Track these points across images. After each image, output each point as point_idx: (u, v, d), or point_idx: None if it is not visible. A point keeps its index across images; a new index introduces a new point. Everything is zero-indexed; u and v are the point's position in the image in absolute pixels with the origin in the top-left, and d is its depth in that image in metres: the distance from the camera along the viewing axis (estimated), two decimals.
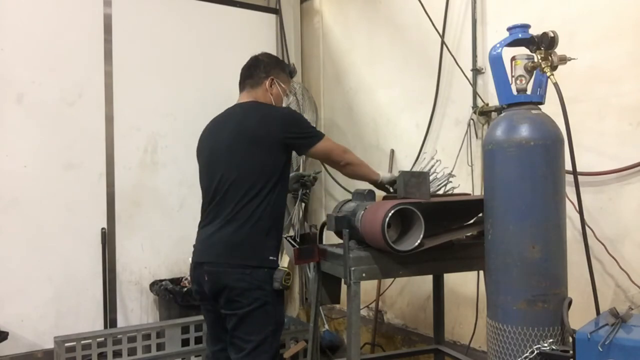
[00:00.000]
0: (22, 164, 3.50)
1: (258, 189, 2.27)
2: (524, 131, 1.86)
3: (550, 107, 1.96)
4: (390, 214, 2.04)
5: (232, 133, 2.37)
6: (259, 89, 2.49)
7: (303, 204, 3.92)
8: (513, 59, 1.98)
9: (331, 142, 2.46)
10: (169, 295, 3.59)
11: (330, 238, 2.61)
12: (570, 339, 1.76)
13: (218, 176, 2.34)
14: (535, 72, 1.96)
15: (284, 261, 4.40)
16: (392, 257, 2.17)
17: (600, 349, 1.61)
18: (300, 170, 2.84)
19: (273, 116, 2.37)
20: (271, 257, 2.29)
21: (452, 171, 2.66)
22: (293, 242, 2.41)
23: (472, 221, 2.40)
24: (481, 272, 2.74)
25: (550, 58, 1.90)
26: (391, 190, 2.57)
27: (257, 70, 2.52)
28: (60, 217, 3.60)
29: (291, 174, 2.61)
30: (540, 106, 1.96)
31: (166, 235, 3.95)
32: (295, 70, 2.72)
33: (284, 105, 2.63)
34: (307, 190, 2.77)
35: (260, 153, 2.30)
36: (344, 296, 2.33)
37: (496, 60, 1.96)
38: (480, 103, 3.13)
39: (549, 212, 1.87)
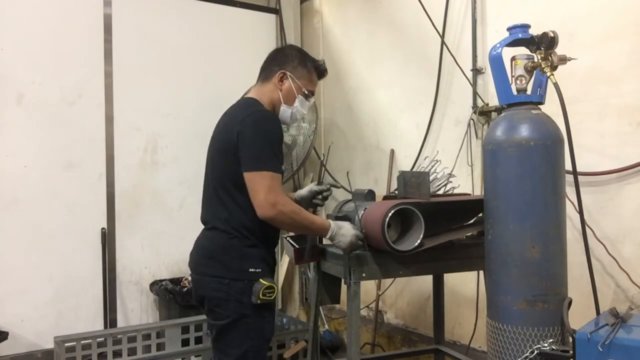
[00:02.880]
0: (22, 164, 3.50)
1: (234, 197, 2.09)
2: (524, 131, 1.86)
3: (550, 107, 1.96)
4: (390, 214, 2.03)
5: (217, 133, 2.24)
6: (268, 83, 2.26)
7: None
8: (513, 59, 1.98)
9: (263, 185, 2.01)
10: (169, 295, 3.59)
11: None
12: (570, 339, 1.76)
13: (208, 178, 2.24)
14: (535, 72, 1.96)
15: (284, 262, 4.41)
16: (392, 257, 2.17)
17: (600, 349, 1.61)
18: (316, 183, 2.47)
19: (235, 122, 2.11)
20: (251, 269, 2.09)
21: (452, 171, 2.66)
22: (293, 242, 2.40)
23: (472, 221, 2.40)
24: (481, 272, 2.74)
25: (550, 58, 1.90)
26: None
27: (273, 62, 2.29)
28: (60, 217, 3.61)
29: (303, 191, 2.44)
30: (540, 106, 1.96)
31: (166, 235, 3.96)
32: (325, 69, 2.34)
33: (295, 105, 2.26)
34: (321, 206, 2.50)
35: (227, 160, 2.11)
36: (344, 296, 2.33)
37: (496, 60, 1.96)
38: (480, 103, 3.13)
39: (549, 212, 1.87)
